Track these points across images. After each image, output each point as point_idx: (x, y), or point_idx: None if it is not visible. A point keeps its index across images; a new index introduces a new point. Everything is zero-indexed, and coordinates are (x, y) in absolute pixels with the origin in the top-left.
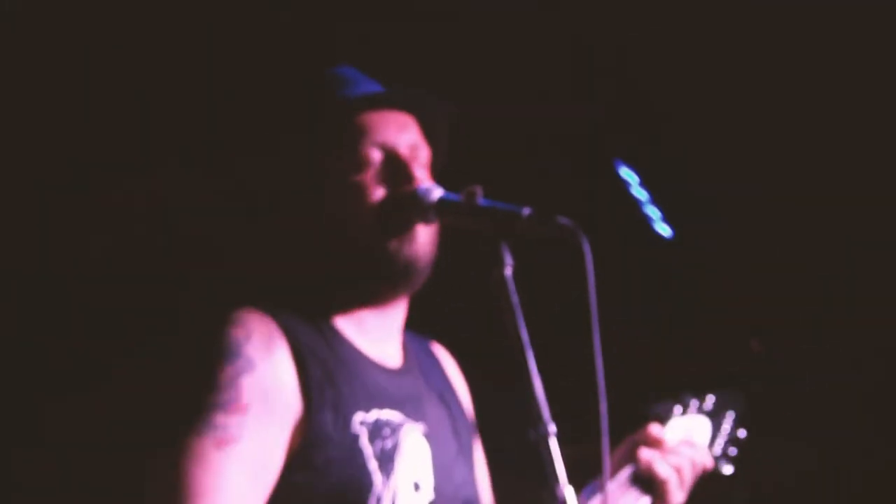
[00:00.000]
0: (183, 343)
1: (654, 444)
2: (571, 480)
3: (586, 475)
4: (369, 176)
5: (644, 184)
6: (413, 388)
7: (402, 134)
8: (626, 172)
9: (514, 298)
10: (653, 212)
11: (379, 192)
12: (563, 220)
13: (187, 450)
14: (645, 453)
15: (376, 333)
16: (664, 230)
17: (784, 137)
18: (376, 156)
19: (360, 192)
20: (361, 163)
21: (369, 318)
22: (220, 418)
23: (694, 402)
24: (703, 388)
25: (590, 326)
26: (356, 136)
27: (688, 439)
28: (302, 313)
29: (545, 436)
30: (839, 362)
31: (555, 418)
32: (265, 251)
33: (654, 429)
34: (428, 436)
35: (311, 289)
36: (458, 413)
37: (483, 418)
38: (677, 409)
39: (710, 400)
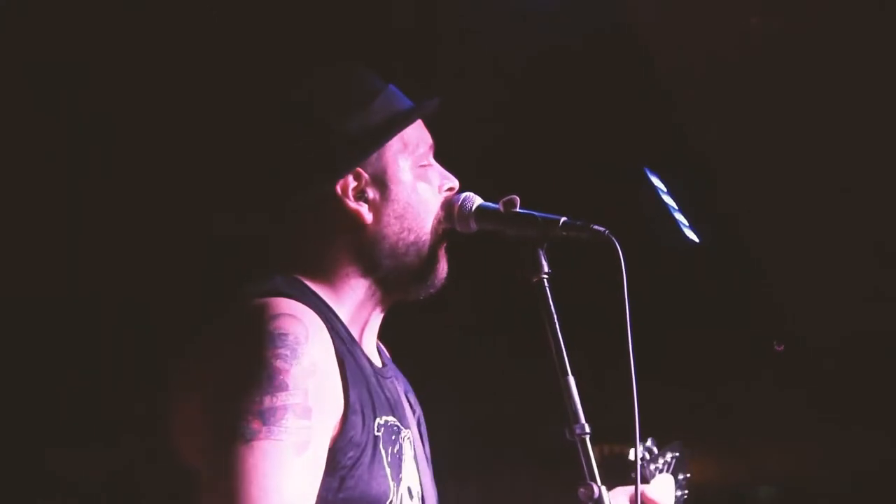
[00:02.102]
0: (236, 336)
1: None
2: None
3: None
4: (430, 183)
5: (672, 191)
6: (395, 391)
7: (430, 137)
8: (655, 180)
9: (551, 303)
10: (681, 218)
11: (438, 198)
12: (598, 226)
13: (267, 453)
14: None
15: (370, 332)
16: (692, 236)
17: (806, 141)
18: (426, 158)
19: (430, 201)
20: (423, 166)
21: (371, 316)
22: (293, 422)
23: (663, 461)
24: (663, 442)
25: (623, 327)
26: (419, 143)
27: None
28: (311, 301)
29: (581, 435)
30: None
31: (588, 419)
32: (294, 240)
33: (651, 492)
34: (411, 441)
35: (327, 279)
36: (419, 412)
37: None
38: (654, 467)
39: (669, 456)
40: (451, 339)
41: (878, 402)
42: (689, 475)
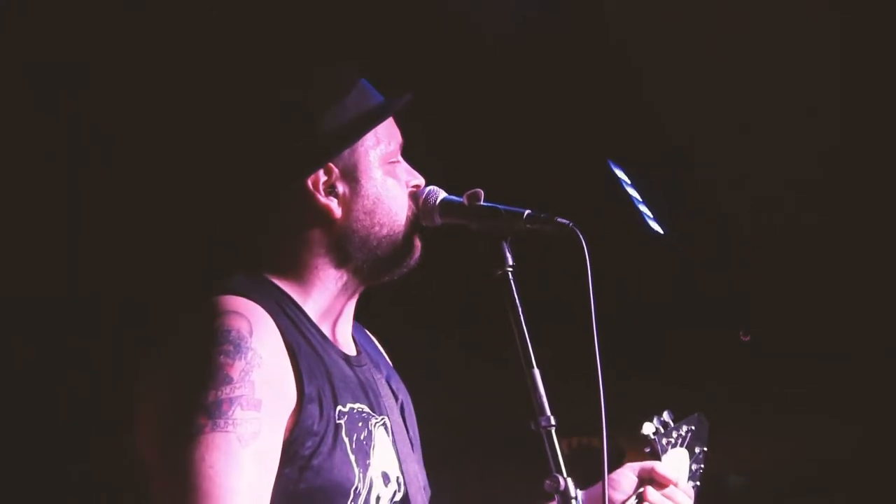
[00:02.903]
0: (182, 335)
1: (662, 484)
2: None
3: (585, 467)
4: (399, 178)
5: (636, 183)
6: (371, 378)
7: (398, 132)
8: (619, 172)
9: (516, 296)
10: (645, 210)
11: (405, 193)
12: (562, 219)
13: (213, 446)
14: (652, 495)
15: (341, 320)
16: (656, 227)
17: (782, 130)
18: (395, 154)
19: (399, 195)
20: (394, 164)
21: (339, 304)
22: (239, 414)
23: (677, 434)
24: (679, 414)
25: (587, 320)
26: (390, 140)
27: (678, 480)
28: (271, 297)
29: (547, 428)
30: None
31: (554, 412)
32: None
33: (661, 468)
34: (388, 427)
35: (296, 274)
36: (403, 398)
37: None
38: (666, 441)
39: (685, 429)
40: (417, 333)
41: (852, 400)
42: (706, 448)
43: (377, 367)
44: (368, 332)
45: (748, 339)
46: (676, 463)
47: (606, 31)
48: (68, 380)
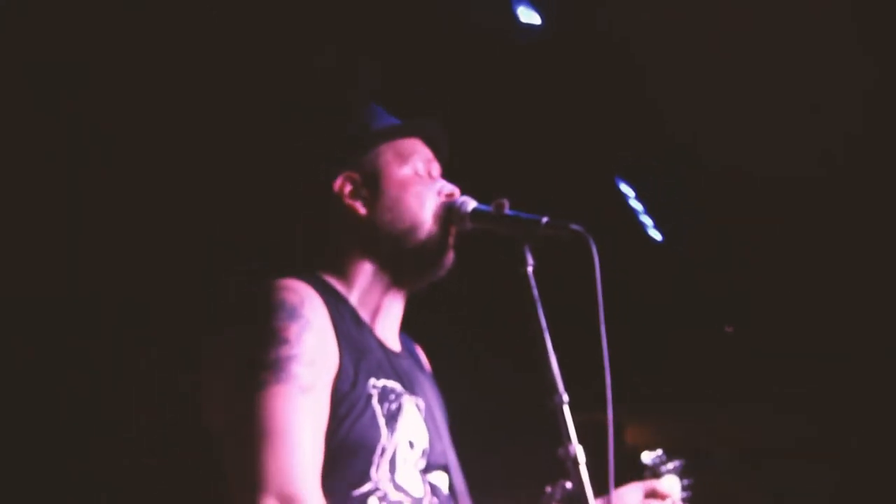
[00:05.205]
0: (244, 311)
1: (662, 498)
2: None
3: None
4: (424, 184)
5: (639, 196)
6: (410, 370)
7: (432, 156)
8: (624, 187)
9: (535, 292)
10: (646, 220)
11: (433, 199)
12: (575, 226)
13: (277, 395)
14: None
15: (385, 319)
16: (656, 235)
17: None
18: (423, 170)
19: (422, 195)
20: (418, 173)
21: (376, 298)
22: (297, 369)
23: (671, 465)
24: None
25: (596, 319)
26: (412, 153)
27: (675, 497)
28: (319, 286)
29: (560, 404)
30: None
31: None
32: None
33: (661, 485)
34: (421, 407)
35: (338, 269)
36: (442, 404)
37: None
38: (665, 467)
39: (676, 462)
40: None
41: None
42: (692, 480)
43: (420, 368)
44: (418, 349)
45: (731, 330)
46: (671, 485)
47: (608, 30)
48: (68, 380)
